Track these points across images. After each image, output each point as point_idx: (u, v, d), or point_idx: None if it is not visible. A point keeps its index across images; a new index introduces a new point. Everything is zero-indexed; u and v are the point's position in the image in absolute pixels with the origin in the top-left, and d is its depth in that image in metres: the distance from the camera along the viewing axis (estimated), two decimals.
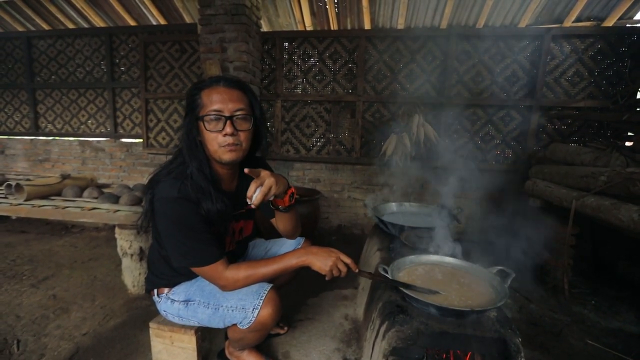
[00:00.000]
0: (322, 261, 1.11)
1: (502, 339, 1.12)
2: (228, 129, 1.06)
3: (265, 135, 1.26)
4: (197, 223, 1.06)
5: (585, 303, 2.11)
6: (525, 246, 2.69)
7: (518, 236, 2.79)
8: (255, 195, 1.02)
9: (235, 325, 1.17)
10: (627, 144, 2.54)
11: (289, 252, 1.16)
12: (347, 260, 1.12)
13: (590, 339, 1.75)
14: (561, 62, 2.85)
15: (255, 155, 1.37)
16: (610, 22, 3.35)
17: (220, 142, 1.07)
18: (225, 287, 1.13)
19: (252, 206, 1.03)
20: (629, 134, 2.55)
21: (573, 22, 3.41)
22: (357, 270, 1.15)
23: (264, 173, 1.07)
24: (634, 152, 1.79)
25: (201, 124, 1.08)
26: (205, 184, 1.08)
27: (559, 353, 1.64)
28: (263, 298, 1.11)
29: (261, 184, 1.03)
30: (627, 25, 3.38)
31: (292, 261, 1.13)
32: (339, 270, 1.11)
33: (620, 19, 3.34)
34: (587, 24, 3.44)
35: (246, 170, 1.05)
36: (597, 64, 2.79)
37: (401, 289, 1.25)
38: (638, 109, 2.33)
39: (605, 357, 1.62)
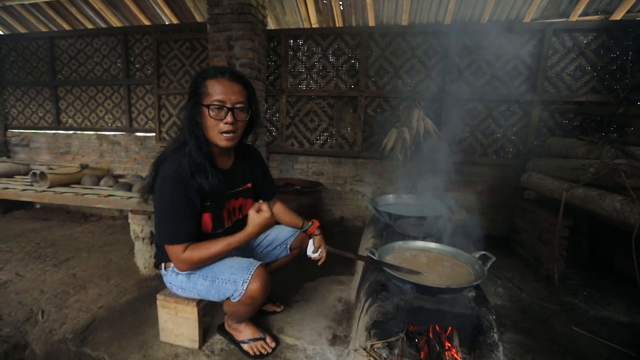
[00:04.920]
0: (262, 224, 1.24)
1: (476, 315, 1.21)
2: (229, 119, 1.21)
3: (258, 124, 1.40)
4: (178, 203, 1.19)
5: (577, 293, 2.15)
6: (521, 238, 2.73)
7: (515, 228, 2.84)
8: (316, 255, 1.54)
9: (228, 299, 1.30)
10: None
11: (233, 235, 1.27)
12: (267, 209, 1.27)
13: (576, 326, 1.80)
14: (563, 57, 2.86)
15: (247, 143, 1.50)
16: (618, 16, 3.31)
17: (220, 129, 1.21)
18: (180, 268, 1.27)
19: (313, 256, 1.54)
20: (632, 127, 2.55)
21: (580, 16, 3.38)
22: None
23: (323, 245, 1.53)
24: (625, 145, 1.81)
25: (205, 110, 1.21)
26: (201, 160, 1.22)
27: (543, 338, 1.70)
28: (252, 273, 1.24)
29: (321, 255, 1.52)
30: (637, 19, 3.32)
31: (235, 239, 1.25)
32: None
33: (628, 12, 3.29)
34: (595, 17, 3.40)
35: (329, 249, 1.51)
36: (600, 58, 2.78)
37: (385, 268, 1.36)
38: (639, 103, 2.33)
39: (588, 343, 1.67)
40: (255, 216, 1.24)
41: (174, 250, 1.22)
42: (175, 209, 1.20)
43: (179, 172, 1.19)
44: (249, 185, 1.50)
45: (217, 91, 1.19)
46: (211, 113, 1.19)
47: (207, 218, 1.30)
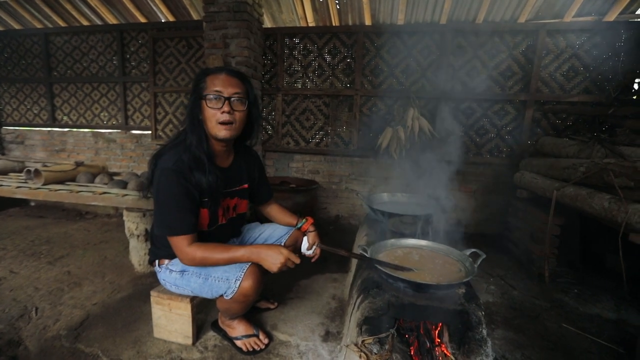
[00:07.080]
0: (271, 261, 1.24)
1: (465, 311, 1.23)
2: (225, 108, 1.24)
3: (258, 122, 1.42)
4: (179, 195, 1.20)
5: (568, 291, 2.18)
6: (513, 236, 2.76)
7: (508, 227, 2.87)
8: (310, 252, 1.54)
9: (221, 296, 1.31)
10: None
11: (245, 245, 1.29)
12: (296, 260, 1.28)
13: (566, 322, 1.83)
14: (556, 57, 2.89)
15: (247, 145, 1.51)
16: (611, 17, 3.33)
17: (218, 119, 1.25)
18: (183, 261, 1.27)
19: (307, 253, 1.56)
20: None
21: (574, 16, 3.41)
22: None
23: (317, 242, 1.55)
24: (614, 144, 1.84)
25: (203, 102, 1.25)
26: (201, 156, 1.25)
27: (532, 334, 1.73)
28: (244, 271, 1.25)
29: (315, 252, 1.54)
30: (630, 20, 3.35)
31: (244, 255, 1.26)
32: (287, 266, 1.27)
33: (621, 13, 3.32)
34: (588, 18, 3.43)
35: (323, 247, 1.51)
36: (593, 58, 2.82)
37: (377, 265, 1.37)
38: (631, 104, 2.36)
39: (577, 339, 1.70)
40: (276, 254, 1.25)
41: (177, 241, 1.23)
42: (175, 200, 1.21)
43: (178, 165, 1.20)
44: (246, 185, 1.51)
45: (215, 83, 1.24)
46: (209, 103, 1.23)
47: (204, 214, 1.32)
